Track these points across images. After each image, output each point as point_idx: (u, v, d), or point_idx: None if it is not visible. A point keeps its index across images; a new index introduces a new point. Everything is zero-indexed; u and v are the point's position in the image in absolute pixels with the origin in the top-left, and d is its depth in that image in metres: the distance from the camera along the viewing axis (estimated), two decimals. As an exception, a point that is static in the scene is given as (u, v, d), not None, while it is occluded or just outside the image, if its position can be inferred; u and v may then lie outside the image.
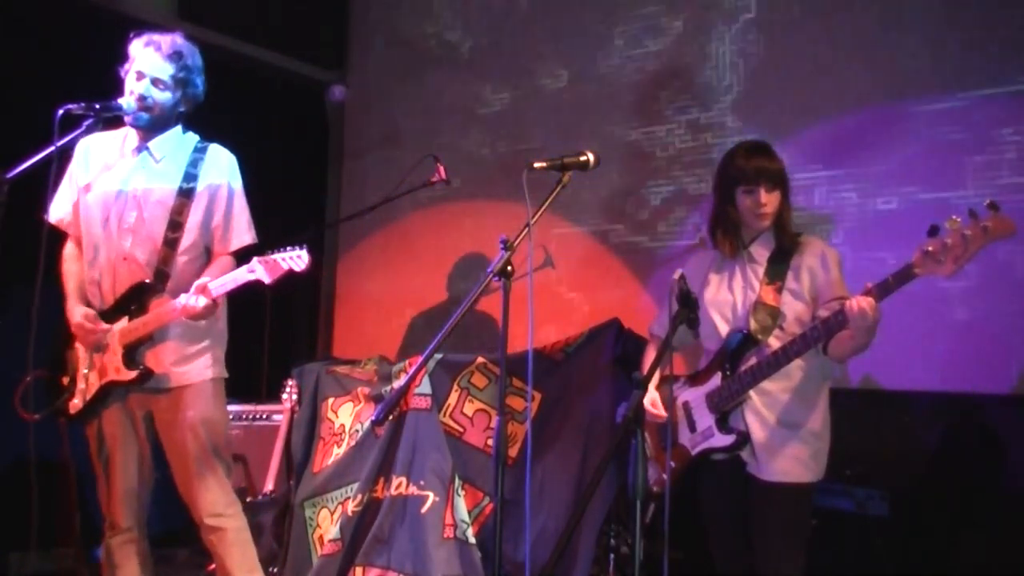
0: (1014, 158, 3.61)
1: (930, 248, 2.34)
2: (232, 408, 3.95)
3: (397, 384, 3.81)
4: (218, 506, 3.01)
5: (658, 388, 2.88)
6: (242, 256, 2.99)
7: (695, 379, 2.88)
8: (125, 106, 2.91)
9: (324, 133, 5.83)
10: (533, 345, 2.83)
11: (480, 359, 3.79)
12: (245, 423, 4.35)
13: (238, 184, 3.11)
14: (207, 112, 3.15)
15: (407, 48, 5.49)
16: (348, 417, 3.94)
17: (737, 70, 4.32)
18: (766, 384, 2.70)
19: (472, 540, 3.57)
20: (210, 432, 3.01)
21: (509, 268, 2.36)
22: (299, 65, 5.59)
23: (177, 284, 2.95)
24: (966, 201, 3.50)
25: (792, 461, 2.70)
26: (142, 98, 2.93)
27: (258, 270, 2.83)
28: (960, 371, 3.63)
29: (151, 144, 3.02)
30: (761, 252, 2.83)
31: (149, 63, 2.94)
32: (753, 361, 2.71)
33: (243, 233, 3.08)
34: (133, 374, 2.92)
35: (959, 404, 3.68)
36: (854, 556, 3.47)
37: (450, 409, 3.76)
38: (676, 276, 2.59)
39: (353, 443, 3.86)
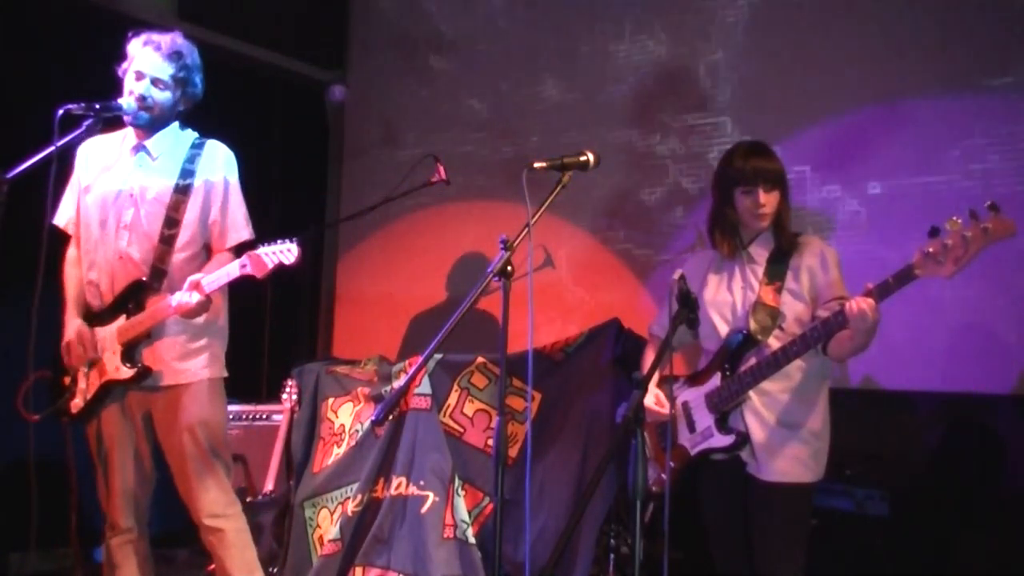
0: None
1: (930, 249, 2.34)
2: (232, 408, 3.95)
3: (397, 384, 3.80)
4: (217, 507, 3.00)
5: (658, 388, 2.88)
6: (240, 252, 2.97)
7: (695, 379, 2.88)
8: (125, 106, 2.90)
9: (324, 133, 5.82)
10: (533, 345, 2.83)
11: (480, 359, 3.79)
12: (245, 423, 4.34)
13: (234, 179, 3.09)
14: (207, 112, 3.14)
15: (407, 48, 5.48)
16: (348, 417, 3.94)
17: (734, 71, 4.32)
18: (766, 384, 2.70)
19: (472, 540, 3.57)
20: (208, 433, 3.00)
21: (509, 268, 2.36)
22: (299, 65, 5.58)
23: (175, 281, 2.94)
24: (955, 191, 3.55)
25: (792, 461, 2.69)
26: (142, 98, 2.92)
27: (250, 264, 2.83)
28: (960, 371, 3.63)
29: (148, 142, 3.01)
30: (760, 252, 2.83)
31: (149, 63, 2.93)
32: (753, 361, 2.71)
33: (240, 228, 3.07)
34: (131, 372, 2.92)
35: (959, 404, 3.68)
36: (854, 556, 3.47)
37: (450, 409, 3.76)
38: (676, 276, 2.58)
39: (353, 443, 3.85)
